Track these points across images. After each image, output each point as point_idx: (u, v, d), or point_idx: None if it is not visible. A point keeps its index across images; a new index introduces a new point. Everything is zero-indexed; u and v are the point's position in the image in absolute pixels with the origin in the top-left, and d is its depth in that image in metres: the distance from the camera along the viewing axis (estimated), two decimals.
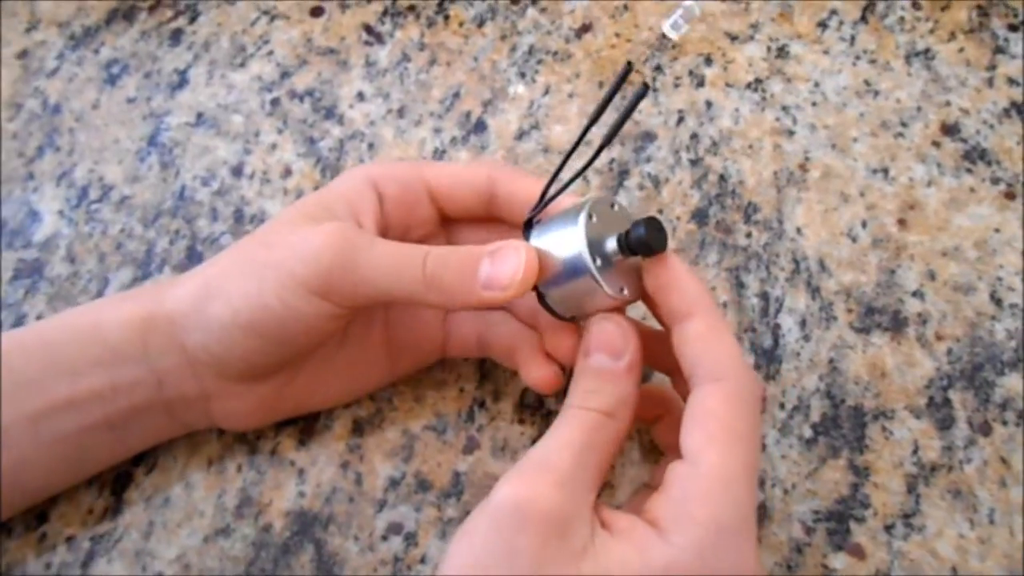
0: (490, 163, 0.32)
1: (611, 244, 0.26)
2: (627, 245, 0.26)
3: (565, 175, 0.27)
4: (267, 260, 0.27)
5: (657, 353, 0.29)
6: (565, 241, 0.26)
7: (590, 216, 0.26)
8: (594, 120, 0.27)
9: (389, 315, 0.31)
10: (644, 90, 0.25)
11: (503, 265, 0.26)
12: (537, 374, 0.29)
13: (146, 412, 0.29)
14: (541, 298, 0.27)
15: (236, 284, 0.27)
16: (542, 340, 0.30)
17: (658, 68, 0.40)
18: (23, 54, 0.43)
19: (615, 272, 0.26)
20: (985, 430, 0.32)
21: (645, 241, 0.25)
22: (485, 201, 0.30)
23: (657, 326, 0.28)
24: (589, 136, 0.28)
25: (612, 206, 0.28)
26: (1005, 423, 0.32)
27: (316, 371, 0.30)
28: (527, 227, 0.28)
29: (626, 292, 0.26)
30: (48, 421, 0.28)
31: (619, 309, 0.27)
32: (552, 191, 0.28)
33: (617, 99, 0.33)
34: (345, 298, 0.27)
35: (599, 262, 0.26)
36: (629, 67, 0.26)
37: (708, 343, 0.25)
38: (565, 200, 0.28)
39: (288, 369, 0.30)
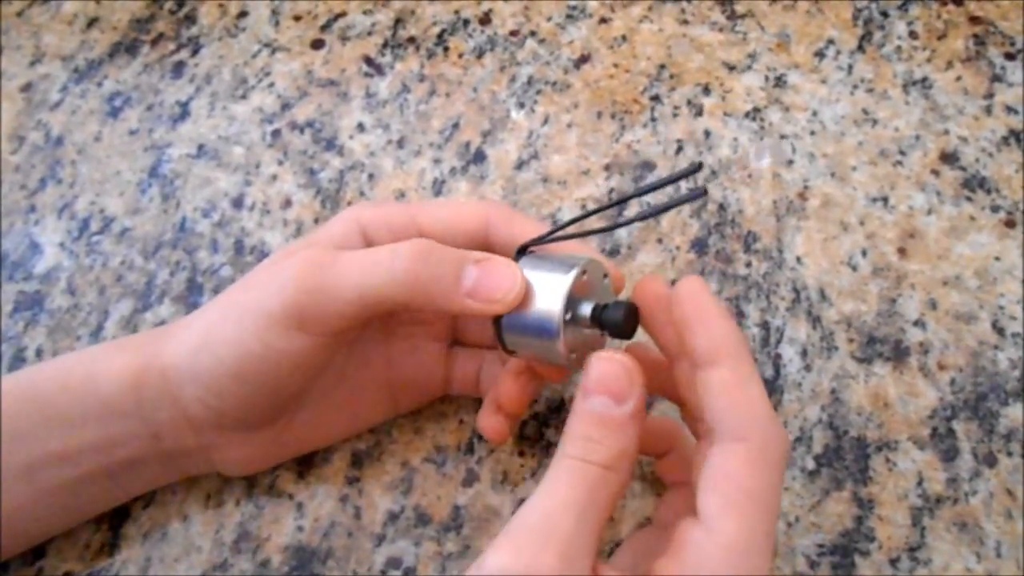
0: (488, 203, 0.31)
1: (585, 309, 0.26)
2: (599, 318, 0.26)
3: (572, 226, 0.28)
4: (244, 303, 0.27)
5: (665, 382, 0.29)
6: (549, 286, 0.26)
7: (583, 273, 0.26)
8: (638, 195, 0.27)
9: (390, 355, 0.31)
10: (701, 193, 0.25)
11: (495, 279, 0.26)
12: (484, 421, 0.29)
13: (144, 463, 0.29)
14: (497, 325, 0.27)
15: (219, 332, 0.27)
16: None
17: (656, 98, 0.41)
18: (27, 87, 0.43)
19: (577, 336, 0.26)
20: (990, 461, 0.32)
21: (618, 325, 0.25)
22: (478, 243, 0.29)
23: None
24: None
25: (604, 276, 0.28)
26: (1010, 454, 0.32)
27: (315, 413, 0.30)
28: (520, 253, 0.28)
29: (575, 359, 0.26)
30: (43, 471, 0.27)
31: (564, 368, 0.27)
32: (561, 235, 0.28)
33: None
34: (321, 324, 0.26)
35: (568, 319, 0.26)
36: (699, 167, 0.26)
37: (733, 396, 0.23)
38: (569, 246, 0.28)
39: (287, 413, 0.29)
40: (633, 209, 0.38)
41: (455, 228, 0.29)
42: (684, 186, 0.37)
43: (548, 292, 0.26)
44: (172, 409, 0.28)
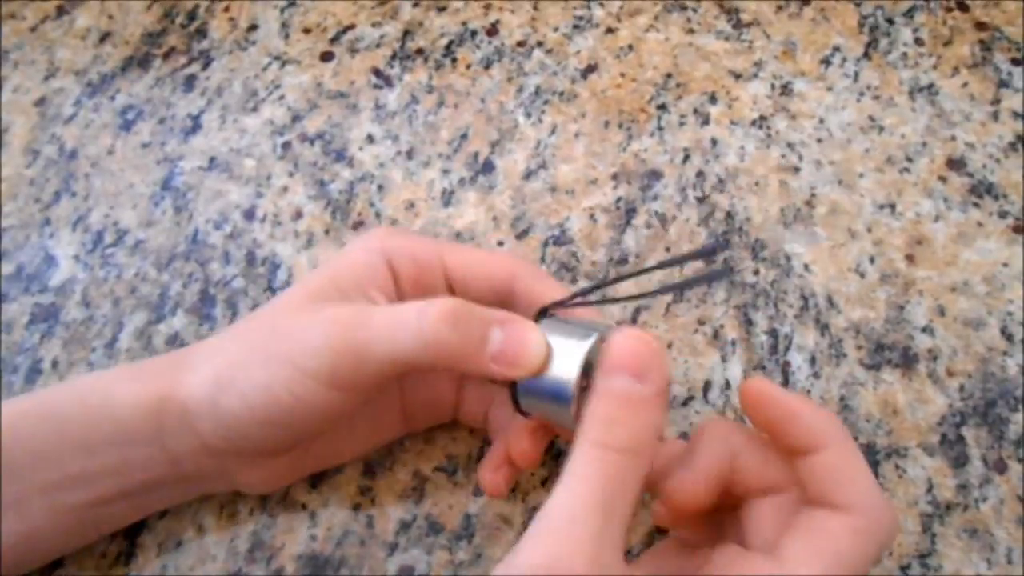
0: (514, 259, 0.30)
1: None
2: None
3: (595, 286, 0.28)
4: (275, 351, 0.26)
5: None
6: (567, 352, 0.26)
7: (601, 341, 0.26)
8: (664, 266, 0.27)
9: (404, 380, 0.31)
10: (726, 271, 0.25)
11: (518, 344, 0.25)
12: (486, 475, 0.29)
13: (162, 484, 0.29)
14: (512, 386, 0.27)
15: (247, 378, 0.26)
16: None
17: (662, 107, 0.41)
18: (41, 101, 0.44)
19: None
20: (1000, 467, 0.32)
21: None
22: (502, 295, 0.29)
23: None
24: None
25: None
26: (1021, 460, 0.32)
27: (333, 436, 0.30)
28: (540, 315, 0.28)
29: None
30: (61, 493, 0.27)
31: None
32: (582, 300, 0.28)
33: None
34: (353, 383, 0.26)
35: (584, 386, 0.25)
36: (725, 245, 0.26)
37: (842, 477, 0.24)
38: (589, 312, 0.28)
39: (306, 440, 0.29)
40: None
41: (482, 275, 0.29)
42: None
43: (565, 358, 0.25)
44: (192, 439, 0.28)
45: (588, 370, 0.26)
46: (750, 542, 0.25)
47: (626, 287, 0.29)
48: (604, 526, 0.22)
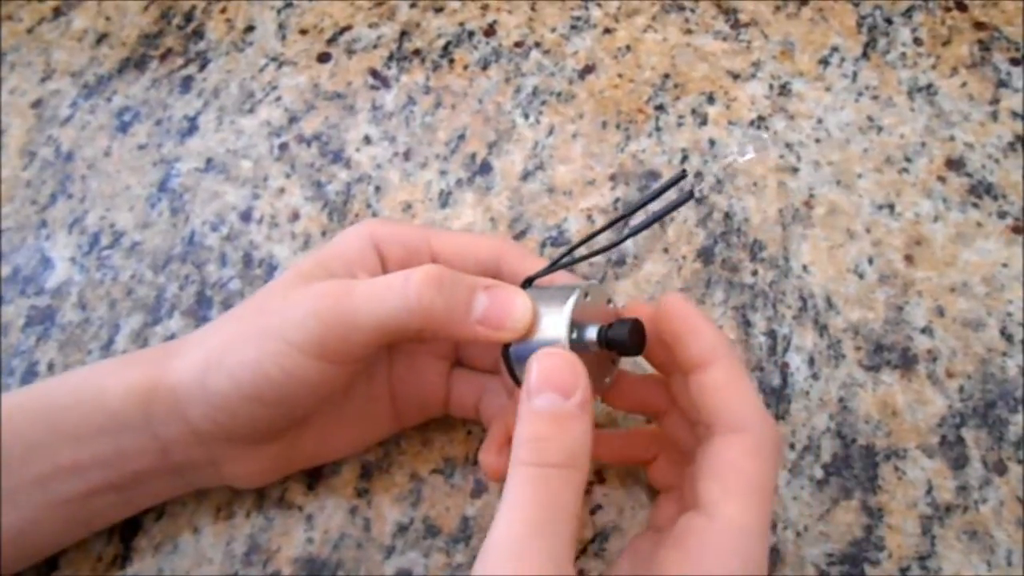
0: (500, 238, 0.31)
1: (591, 332, 0.26)
2: (605, 339, 0.26)
3: (579, 250, 0.28)
4: (263, 328, 0.27)
5: (644, 398, 0.29)
6: (553, 312, 0.26)
7: (585, 295, 0.26)
8: (631, 213, 0.27)
9: (393, 370, 0.31)
10: (688, 196, 0.26)
11: (504, 305, 0.26)
12: (487, 458, 0.29)
13: (153, 475, 0.29)
14: (505, 355, 0.27)
15: (236, 355, 0.27)
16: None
17: (660, 107, 0.41)
18: (37, 103, 0.44)
19: (586, 359, 0.26)
20: (1000, 469, 0.32)
21: (623, 341, 0.25)
22: (489, 275, 0.29)
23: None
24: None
25: (608, 302, 0.28)
26: (1020, 462, 0.32)
27: (323, 427, 0.30)
28: (524, 285, 0.28)
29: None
30: (54, 484, 0.28)
31: None
32: (565, 260, 0.28)
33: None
34: (342, 354, 0.26)
35: (575, 341, 0.26)
36: (683, 175, 0.27)
37: (728, 393, 0.24)
38: (570, 277, 0.29)
39: (295, 428, 0.29)
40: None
41: (468, 256, 0.29)
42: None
43: (553, 318, 0.26)
44: (181, 425, 0.28)
45: (579, 328, 0.26)
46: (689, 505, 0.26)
47: (602, 241, 0.29)
48: (552, 547, 0.22)
